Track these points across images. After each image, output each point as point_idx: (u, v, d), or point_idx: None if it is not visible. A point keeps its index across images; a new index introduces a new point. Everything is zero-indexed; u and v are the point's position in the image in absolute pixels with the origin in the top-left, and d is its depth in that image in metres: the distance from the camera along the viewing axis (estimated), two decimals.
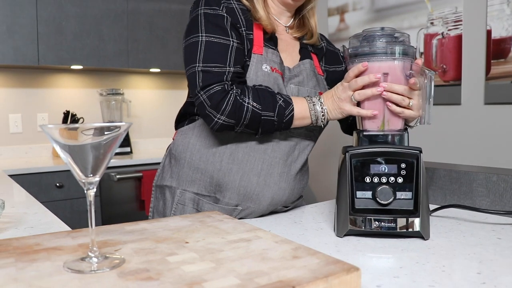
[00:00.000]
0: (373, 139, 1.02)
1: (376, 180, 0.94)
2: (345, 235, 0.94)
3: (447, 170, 1.26)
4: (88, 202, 0.66)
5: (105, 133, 0.63)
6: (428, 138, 2.58)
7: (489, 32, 2.28)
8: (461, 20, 2.40)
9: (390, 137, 1.02)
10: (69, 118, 3.08)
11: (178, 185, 1.24)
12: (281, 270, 0.61)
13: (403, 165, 0.95)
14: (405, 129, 1.05)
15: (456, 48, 2.43)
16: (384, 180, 0.94)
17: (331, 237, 0.95)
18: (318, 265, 0.63)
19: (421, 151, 0.95)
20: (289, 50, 1.26)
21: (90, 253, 0.66)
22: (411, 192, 0.94)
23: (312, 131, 1.25)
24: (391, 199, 0.93)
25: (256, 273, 0.60)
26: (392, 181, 0.94)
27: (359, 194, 0.95)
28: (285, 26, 1.28)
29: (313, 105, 1.10)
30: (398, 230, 0.91)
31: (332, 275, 0.59)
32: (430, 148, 2.54)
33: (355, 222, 0.93)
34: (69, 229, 1.10)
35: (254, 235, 0.78)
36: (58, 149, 0.63)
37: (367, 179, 0.95)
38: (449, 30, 2.46)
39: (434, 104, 2.55)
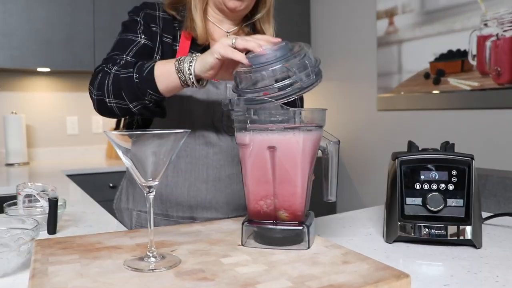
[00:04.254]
0: (266, 235, 0.79)
1: (426, 186, 0.94)
2: (394, 241, 0.94)
3: (500, 177, 1.24)
4: (148, 204, 0.70)
5: (164, 139, 0.66)
6: (481, 143, 2.51)
7: None
8: None
9: (285, 232, 0.78)
10: (122, 121, 3.18)
11: (134, 207, 1.24)
12: (331, 274, 0.62)
13: (454, 172, 0.94)
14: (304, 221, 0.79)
15: None
16: (434, 186, 0.94)
17: (380, 243, 0.95)
18: (368, 271, 0.64)
19: (473, 158, 0.94)
20: None
21: (148, 253, 0.69)
22: (462, 200, 0.93)
23: None
24: (441, 206, 0.92)
25: (307, 277, 0.61)
26: (442, 188, 0.93)
27: (409, 200, 0.95)
28: (226, 32, 1.23)
29: (183, 57, 0.96)
30: (448, 237, 0.90)
31: (382, 281, 0.60)
32: (483, 154, 2.46)
33: (404, 228, 0.93)
34: (124, 229, 1.15)
35: None
36: (120, 154, 0.67)
37: (417, 186, 0.94)
38: (504, 31, 2.38)
39: (487, 108, 2.49)
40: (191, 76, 0.93)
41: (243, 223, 0.79)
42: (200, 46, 1.16)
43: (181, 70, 0.94)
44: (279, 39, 0.85)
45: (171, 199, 1.16)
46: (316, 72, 0.78)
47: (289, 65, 0.75)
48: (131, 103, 1.00)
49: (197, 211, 1.17)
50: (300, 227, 0.77)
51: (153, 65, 0.98)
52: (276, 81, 0.76)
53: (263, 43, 0.83)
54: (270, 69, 0.76)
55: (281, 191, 0.77)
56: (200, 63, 0.92)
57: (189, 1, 1.16)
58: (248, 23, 1.26)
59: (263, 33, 1.24)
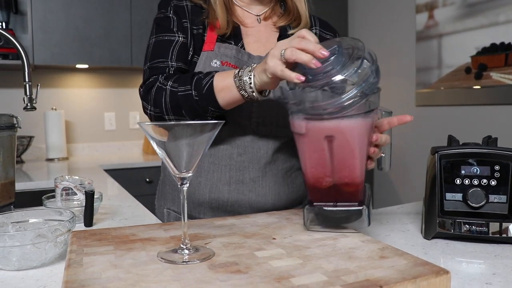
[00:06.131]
0: (328, 216, 0.81)
1: (467, 182, 0.91)
2: (433, 237, 0.92)
3: None
4: (182, 196, 0.70)
5: (199, 130, 0.66)
6: None
7: None
8: None
9: (346, 213, 0.81)
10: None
11: (164, 204, 1.23)
12: (368, 269, 0.61)
13: (496, 167, 0.90)
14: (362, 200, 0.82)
15: None
16: (475, 182, 0.90)
17: (418, 239, 0.92)
18: (406, 266, 0.62)
19: None
20: (262, 41, 1.17)
21: (182, 245, 0.69)
22: (505, 196, 0.89)
23: (285, 127, 1.06)
24: (483, 202, 0.89)
25: (343, 271, 0.60)
26: (484, 183, 0.90)
27: (449, 196, 0.92)
28: (257, 15, 1.19)
29: (241, 71, 0.93)
30: (490, 235, 0.87)
31: (420, 276, 0.58)
32: None
33: (443, 224, 0.90)
34: (160, 222, 1.16)
35: (340, 234, 0.78)
36: (154, 146, 0.67)
37: (457, 181, 0.91)
38: None
39: None
40: (252, 91, 0.92)
41: (304, 206, 0.82)
42: (224, 35, 1.12)
43: (242, 86, 0.92)
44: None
45: (194, 200, 1.13)
46: (376, 71, 0.77)
47: (348, 76, 0.74)
48: (192, 119, 0.99)
49: (219, 214, 1.13)
50: (360, 208, 0.79)
51: (212, 81, 0.96)
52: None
53: (311, 48, 0.78)
54: (330, 85, 0.75)
55: (340, 174, 0.79)
56: (258, 79, 0.90)
57: None
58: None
59: (295, 8, 1.17)
